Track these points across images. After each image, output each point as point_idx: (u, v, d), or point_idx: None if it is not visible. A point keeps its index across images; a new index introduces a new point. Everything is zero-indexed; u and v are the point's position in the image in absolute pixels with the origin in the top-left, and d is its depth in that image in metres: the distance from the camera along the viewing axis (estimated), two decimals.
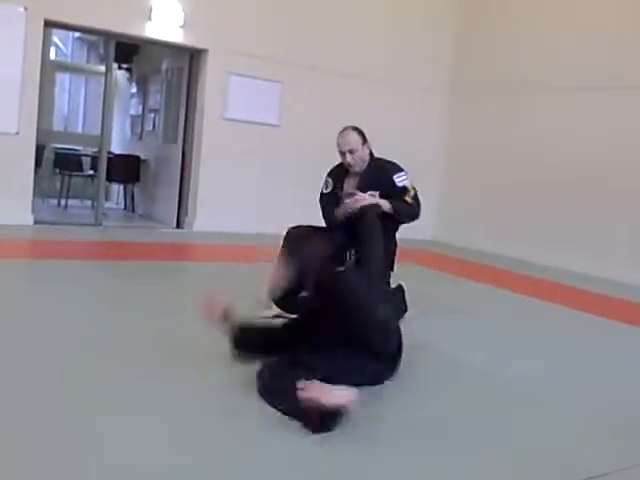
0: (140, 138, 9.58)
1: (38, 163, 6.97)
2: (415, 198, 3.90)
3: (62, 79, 11.14)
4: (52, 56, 10.41)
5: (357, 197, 3.73)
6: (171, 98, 8.46)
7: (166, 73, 8.62)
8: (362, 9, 8.29)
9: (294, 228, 3.78)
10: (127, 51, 9.07)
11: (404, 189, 3.87)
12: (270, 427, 2.26)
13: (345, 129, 3.95)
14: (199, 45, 7.53)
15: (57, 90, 10.91)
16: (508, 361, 3.47)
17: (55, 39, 10.64)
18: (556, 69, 7.61)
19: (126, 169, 8.82)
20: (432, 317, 4.22)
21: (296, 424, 2.25)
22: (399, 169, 3.95)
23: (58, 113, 11.05)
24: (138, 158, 9.03)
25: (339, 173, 4.06)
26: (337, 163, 4.12)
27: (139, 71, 9.86)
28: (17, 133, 6.62)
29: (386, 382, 2.79)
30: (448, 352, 3.48)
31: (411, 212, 3.89)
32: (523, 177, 7.94)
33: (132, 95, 10.09)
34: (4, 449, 1.95)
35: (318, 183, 4.21)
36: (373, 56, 8.42)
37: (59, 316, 3.44)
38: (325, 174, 4.18)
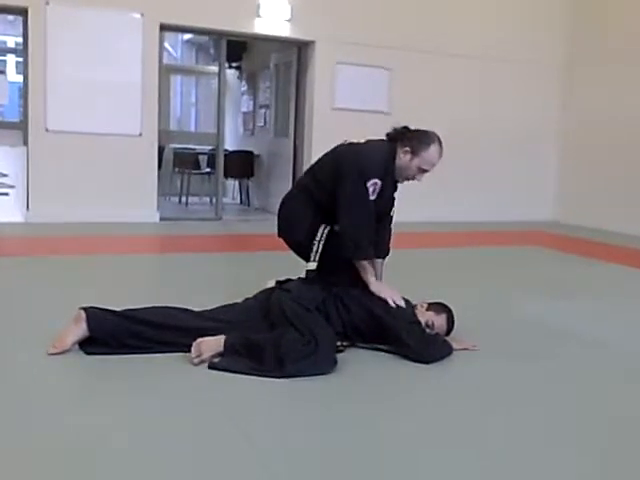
0: (252, 134, 9.80)
1: (159, 163, 7.26)
2: None
3: (174, 81, 11.54)
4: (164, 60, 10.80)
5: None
6: (280, 93, 8.61)
7: (275, 68, 8.78)
8: None
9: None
10: (236, 50, 9.28)
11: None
12: None
13: (441, 144, 3.02)
14: (306, 37, 7.59)
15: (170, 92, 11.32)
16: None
17: (165, 43, 11.03)
18: None
19: (241, 165, 9.03)
20: (563, 301, 4.08)
21: None
22: None
23: (172, 114, 11.46)
24: (251, 153, 9.23)
25: (388, 177, 3.07)
26: (382, 155, 3.06)
27: (248, 69, 10.07)
28: (140, 134, 6.93)
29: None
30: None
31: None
32: None
33: (242, 93, 10.32)
34: None
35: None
36: (483, 34, 8.20)
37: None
38: (370, 167, 3.02)
